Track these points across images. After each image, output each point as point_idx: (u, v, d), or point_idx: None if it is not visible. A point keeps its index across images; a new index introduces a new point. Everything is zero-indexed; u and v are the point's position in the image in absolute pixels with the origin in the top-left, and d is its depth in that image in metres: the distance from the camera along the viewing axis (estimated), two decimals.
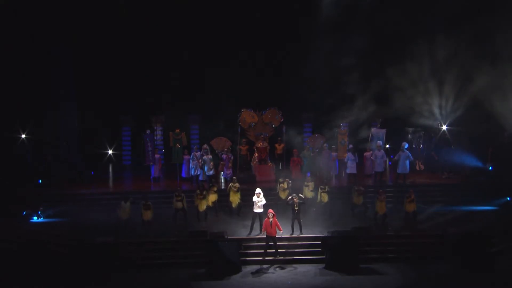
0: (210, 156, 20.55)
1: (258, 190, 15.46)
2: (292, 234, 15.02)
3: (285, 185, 17.33)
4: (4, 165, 20.54)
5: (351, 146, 20.82)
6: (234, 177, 17.74)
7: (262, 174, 20.86)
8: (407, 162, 19.49)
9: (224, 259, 13.68)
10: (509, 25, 19.40)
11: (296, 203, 14.92)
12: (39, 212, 17.56)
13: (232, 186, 17.19)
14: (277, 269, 13.83)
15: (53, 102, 23.44)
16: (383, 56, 22.43)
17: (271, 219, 13.89)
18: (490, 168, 20.56)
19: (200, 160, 20.60)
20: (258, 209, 15.20)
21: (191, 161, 20.91)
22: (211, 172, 20.47)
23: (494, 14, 20.05)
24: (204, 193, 16.95)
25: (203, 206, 16.83)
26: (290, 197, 15.31)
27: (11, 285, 13.17)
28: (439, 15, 21.78)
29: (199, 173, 20.80)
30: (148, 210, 15.64)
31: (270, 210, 14.22)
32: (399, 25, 21.32)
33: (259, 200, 15.21)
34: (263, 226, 14.41)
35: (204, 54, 24.01)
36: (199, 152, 20.99)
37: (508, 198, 18.18)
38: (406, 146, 19.85)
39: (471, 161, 20.87)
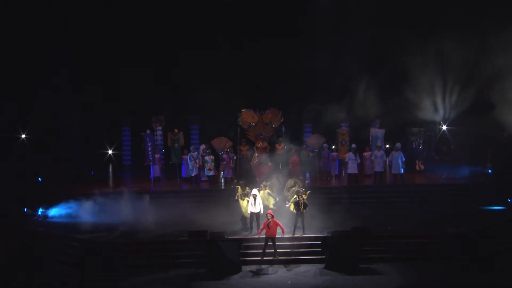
0: (212, 157, 20.54)
1: (254, 192, 15.09)
2: (294, 234, 14.80)
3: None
4: (4, 165, 20.53)
5: (353, 145, 20.79)
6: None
7: (262, 174, 20.83)
8: (400, 161, 19.47)
9: (224, 259, 13.67)
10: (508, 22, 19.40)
11: (301, 202, 14.68)
12: (40, 212, 17.57)
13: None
14: (277, 269, 13.80)
15: (53, 101, 23.46)
16: (384, 55, 22.41)
17: (270, 220, 13.76)
18: (489, 170, 20.54)
19: (198, 160, 20.58)
20: (254, 209, 15.00)
21: (188, 161, 20.91)
22: (211, 173, 20.45)
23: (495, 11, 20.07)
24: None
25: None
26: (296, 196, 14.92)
27: (11, 285, 13.15)
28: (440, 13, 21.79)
29: (196, 173, 20.80)
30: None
31: (269, 211, 14.16)
32: (400, 23, 21.34)
33: (254, 202, 14.84)
34: (261, 227, 14.16)
35: (204, 54, 23.99)
36: (196, 153, 20.98)
37: (510, 200, 18.11)
38: (399, 146, 19.84)
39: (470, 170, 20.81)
